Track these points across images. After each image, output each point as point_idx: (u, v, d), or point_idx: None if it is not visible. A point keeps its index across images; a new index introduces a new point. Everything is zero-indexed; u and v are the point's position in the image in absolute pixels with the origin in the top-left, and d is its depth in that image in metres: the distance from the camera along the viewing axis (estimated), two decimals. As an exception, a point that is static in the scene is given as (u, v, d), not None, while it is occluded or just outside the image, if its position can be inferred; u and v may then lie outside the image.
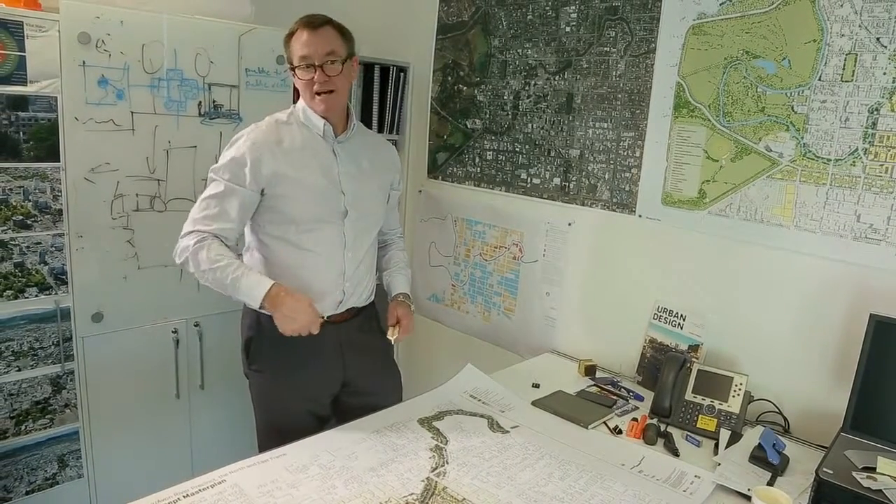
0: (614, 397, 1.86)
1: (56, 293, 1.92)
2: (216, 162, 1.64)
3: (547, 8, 2.21)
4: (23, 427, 1.92)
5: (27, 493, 1.95)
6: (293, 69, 1.62)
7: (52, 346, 1.93)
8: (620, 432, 1.65)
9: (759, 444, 1.47)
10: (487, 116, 2.47)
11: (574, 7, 2.13)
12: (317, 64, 1.58)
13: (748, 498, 1.31)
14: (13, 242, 1.83)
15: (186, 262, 1.57)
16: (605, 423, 1.70)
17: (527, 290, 2.38)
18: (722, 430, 1.60)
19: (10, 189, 1.79)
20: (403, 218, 2.70)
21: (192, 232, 1.57)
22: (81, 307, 1.95)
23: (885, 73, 1.51)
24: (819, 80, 1.61)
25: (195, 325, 2.21)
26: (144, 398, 2.14)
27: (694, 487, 1.40)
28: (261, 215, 1.67)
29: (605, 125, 2.10)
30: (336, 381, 1.78)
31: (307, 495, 1.28)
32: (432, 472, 1.40)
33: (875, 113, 1.53)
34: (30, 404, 1.93)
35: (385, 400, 1.75)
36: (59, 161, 1.85)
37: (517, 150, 2.38)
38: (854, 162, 1.57)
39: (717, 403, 1.69)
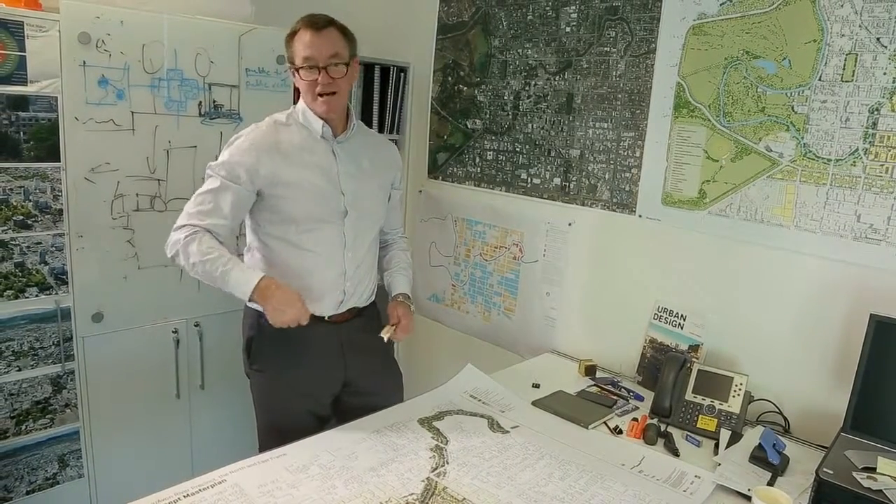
0: (614, 397, 1.86)
1: (56, 293, 1.92)
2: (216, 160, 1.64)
3: (547, 8, 2.21)
4: (23, 427, 1.92)
5: (28, 492, 1.95)
6: (296, 69, 1.61)
7: (53, 346, 1.93)
8: (621, 432, 1.65)
9: (760, 444, 1.47)
10: (488, 116, 2.47)
11: (574, 7, 2.14)
12: (321, 66, 1.58)
13: (748, 498, 1.31)
14: (13, 242, 1.83)
15: (177, 255, 1.56)
16: (605, 423, 1.70)
17: (527, 290, 2.38)
18: (722, 430, 1.60)
19: (11, 189, 1.80)
20: (404, 218, 2.70)
21: (184, 226, 1.57)
22: (82, 307, 1.95)
23: (885, 73, 1.51)
24: (819, 80, 1.61)
25: (195, 325, 2.21)
26: (145, 398, 2.14)
27: (694, 487, 1.40)
28: (261, 215, 1.67)
29: (606, 125, 2.10)
30: (337, 382, 1.78)
31: (307, 495, 1.28)
32: (432, 472, 1.40)
33: (875, 113, 1.53)
34: (30, 404, 1.93)
35: (386, 400, 1.75)
36: (59, 161, 1.85)
37: (517, 150, 2.38)
38: (854, 162, 1.57)
39: (717, 403, 1.69)
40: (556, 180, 2.26)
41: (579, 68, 2.15)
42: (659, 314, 1.98)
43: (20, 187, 1.81)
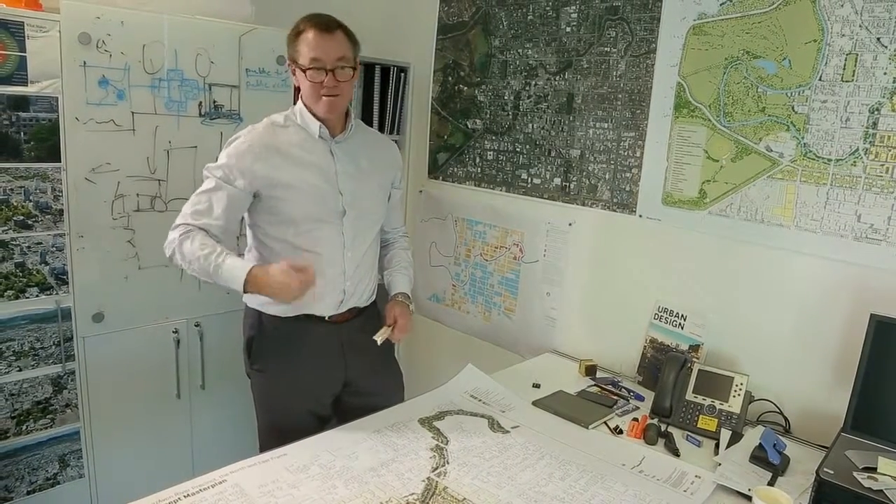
0: (615, 397, 1.86)
1: (57, 293, 1.92)
2: (216, 160, 1.64)
3: (547, 8, 2.21)
4: (24, 427, 1.92)
5: (28, 492, 1.95)
6: (300, 69, 1.59)
7: (53, 346, 1.93)
8: (621, 432, 1.65)
9: (760, 444, 1.47)
10: (488, 116, 2.47)
11: (574, 7, 2.14)
12: (328, 68, 1.58)
13: (749, 498, 1.31)
14: (14, 242, 1.83)
15: (174, 255, 1.57)
16: (605, 423, 1.70)
17: (527, 290, 2.38)
18: (722, 430, 1.60)
19: (11, 189, 1.80)
20: (405, 218, 2.70)
21: (179, 225, 1.58)
22: (82, 307, 1.95)
23: (885, 73, 1.51)
24: (819, 80, 1.61)
25: (196, 325, 2.21)
26: (145, 398, 2.14)
27: (694, 487, 1.40)
28: (260, 217, 1.67)
29: (606, 125, 2.10)
30: (337, 382, 1.78)
31: (308, 495, 1.28)
32: (433, 472, 1.40)
33: (876, 113, 1.53)
34: (31, 404, 1.93)
35: (387, 400, 1.75)
36: (59, 161, 1.85)
37: (518, 150, 2.38)
38: (855, 162, 1.57)
39: (717, 403, 1.69)
40: (557, 180, 2.26)
41: (579, 68, 2.15)
42: (659, 314, 1.98)
43: (21, 187, 1.81)
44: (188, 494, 1.25)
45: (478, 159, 2.53)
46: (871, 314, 1.48)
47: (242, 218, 1.70)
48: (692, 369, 1.78)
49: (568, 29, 2.16)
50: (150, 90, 1.96)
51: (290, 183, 1.62)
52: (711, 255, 1.88)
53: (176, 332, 2.16)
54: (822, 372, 1.67)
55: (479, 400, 1.79)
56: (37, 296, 1.89)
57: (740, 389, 1.68)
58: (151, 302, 2.09)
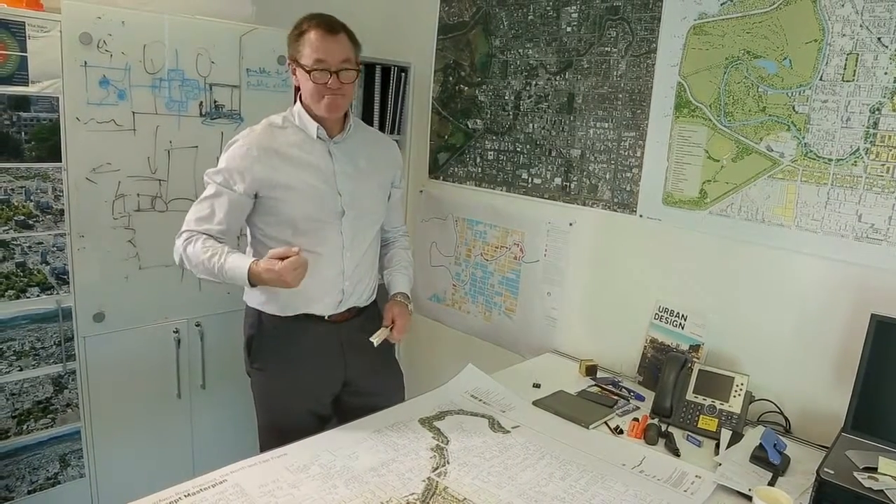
0: (615, 397, 1.86)
1: (57, 293, 1.92)
2: (216, 162, 1.64)
3: (548, 8, 2.21)
4: (24, 427, 1.92)
5: (29, 492, 1.95)
6: (306, 70, 1.58)
7: (54, 346, 1.93)
8: (621, 432, 1.65)
9: (760, 444, 1.47)
10: (488, 116, 2.47)
11: (575, 7, 2.14)
12: (332, 70, 1.58)
13: (749, 498, 1.30)
14: (15, 242, 1.83)
15: (182, 261, 1.60)
16: (606, 423, 1.70)
17: (528, 290, 2.38)
18: (723, 430, 1.60)
19: (12, 189, 1.80)
20: (405, 217, 2.70)
21: (184, 232, 1.61)
22: (83, 307, 1.95)
23: (886, 73, 1.51)
24: (820, 79, 1.61)
25: (196, 325, 2.21)
26: (146, 398, 2.14)
27: (695, 487, 1.40)
28: (259, 217, 1.67)
29: (606, 125, 2.10)
30: (337, 381, 1.78)
31: (308, 495, 1.28)
32: (433, 471, 1.40)
33: (876, 113, 1.53)
34: (31, 404, 1.93)
35: (387, 401, 1.75)
36: (60, 161, 1.86)
37: (518, 150, 2.38)
38: (855, 162, 1.57)
39: (718, 403, 1.69)
40: (557, 180, 2.26)
41: (580, 68, 2.15)
42: (660, 314, 1.98)
43: (21, 187, 1.81)
44: (188, 494, 1.25)
45: (478, 159, 2.53)
46: (872, 314, 1.48)
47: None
48: (692, 369, 1.77)
49: (568, 29, 2.16)
50: (150, 90, 1.97)
51: (288, 184, 1.62)
52: (712, 255, 1.88)
53: (176, 331, 2.16)
54: (823, 372, 1.67)
55: (480, 400, 1.79)
56: (37, 296, 1.89)
57: (741, 389, 1.68)
58: (152, 302, 2.09)
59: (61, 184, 1.87)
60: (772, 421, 1.71)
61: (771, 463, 1.43)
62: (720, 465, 1.46)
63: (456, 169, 2.63)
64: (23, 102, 1.77)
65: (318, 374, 1.74)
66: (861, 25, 1.53)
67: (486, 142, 2.49)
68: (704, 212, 1.87)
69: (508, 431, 1.62)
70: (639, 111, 2.00)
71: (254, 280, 1.51)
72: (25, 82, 1.76)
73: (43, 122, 1.81)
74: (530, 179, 2.35)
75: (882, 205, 1.54)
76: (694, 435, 1.65)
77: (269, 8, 2.27)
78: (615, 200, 2.10)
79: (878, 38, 1.51)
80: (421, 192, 2.77)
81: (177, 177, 2.07)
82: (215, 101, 2.10)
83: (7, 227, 1.81)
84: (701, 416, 1.68)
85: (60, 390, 1.97)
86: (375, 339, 1.68)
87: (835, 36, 1.57)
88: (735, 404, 1.67)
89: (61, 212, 1.89)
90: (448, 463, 1.44)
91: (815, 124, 1.63)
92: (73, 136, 1.85)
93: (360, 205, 1.72)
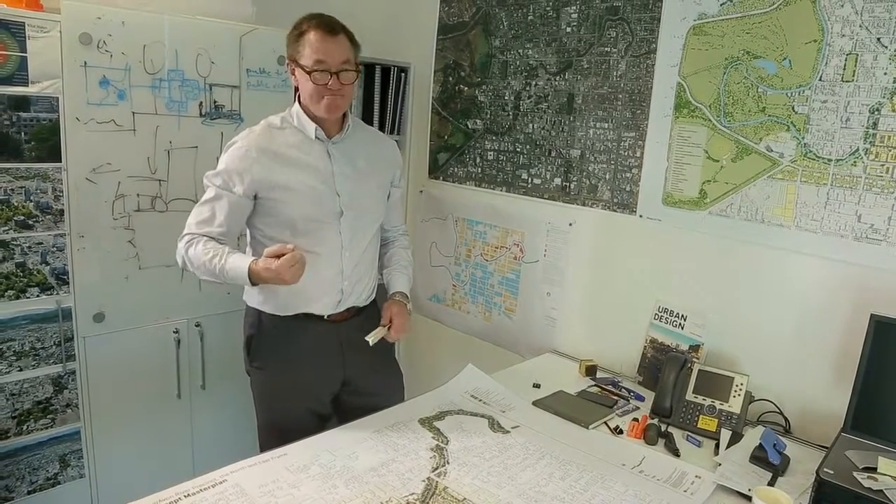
0: (615, 397, 1.86)
1: (57, 293, 1.92)
2: (216, 163, 1.64)
3: (548, 8, 2.21)
4: (24, 427, 1.92)
5: (29, 492, 1.95)
6: (306, 71, 1.58)
7: (54, 346, 1.93)
8: (621, 432, 1.65)
9: (760, 444, 1.47)
10: (488, 117, 2.47)
11: (575, 7, 2.14)
12: (333, 71, 1.58)
13: (749, 498, 1.31)
14: (15, 243, 1.83)
15: (184, 264, 1.61)
16: (605, 423, 1.70)
17: (528, 290, 2.38)
18: (723, 430, 1.60)
19: (12, 189, 1.80)
20: (405, 217, 2.70)
21: (185, 235, 1.62)
22: (83, 307, 1.95)
23: (885, 74, 1.51)
24: (820, 80, 1.61)
25: (196, 325, 2.21)
26: (146, 398, 2.14)
27: (695, 487, 1.40)
28: (258, 218, 1.67)
29: (606, 125, 2.10)
30: (336, 380, 1.78)
31: (308, 495, 1.28)
32: (433, 471, 1.40)
33: (876, 113, 1.53)
34: (31, 404, 1.93)
35: (387, 401, 1.75)
36: (60, 161, 1.86)
37: (518, 150, 2.38)
38: (855, 162, 1.57)
39: (717, 403, 1.69)
40: (557, 180, 2.26)
41: (580, 68, 2.15)
42: (659, 314, 1.98)
43: (21, 188, 1.81)
44: (188, 494, 1.25)
45: (478, 159, 2.53)
46: (872, 314, 1.48)
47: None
48: (692, 369, 1.78)
49: (568, 29, 2.16)
50: (150, 90, 1.97)
51: (287, 185, 1.62)
52: (712, 256, 1.88)
53: (176, 332, 2.16)
54: (823, 372, 1.67)
55: (480, 400, 1.79)
56: (37, 296, 1.89)
57: (740, 389, 1.68)
58: (152, 302, 2.09)
59: (61, 184, 1.87)
60: (771, 421, 1.71)
61: (771, 463, 1.43)
62: (720, 465, 1.46)
63: (456, 169, 2.63)
64: (23, 103, 1.77)
65: (318, 373, 1.74)
66: (860, 26, 1.53)
67: (486, 142, 2.49)
68: (704, 212, 1.87)
69: (508, 431, 1.62)
70: (638, 111, 2.00)
71: (254, 279, 1.51)
72: (25, 82, 1.76)
73: (43, 122, 1.81)
74: (530, 180, 2.35)
75: (881, 205, 1.54)
76: (694, 435, 1.65)
77: (269, 8, 2.27)
78: (615, 201, 2.10)
79: (878, 39, 1.51)
80: (421, 192, 2.77)
81: (177, 177, 2.07)
82: (215, 102, 2.11)
83: (7, 228, 1.81)
84: (701, 416, 1.68)
85: (60, 390, 1.97)
86: (371, 338, 1.68)
87: (834, 36, 1.58)
88: (735, 404, 1.67)
89: (61, 212, 1.89)
90: (448, 463, 1.44)
91: (815, 124, 1.63)
92: (73, 137, 1.85)
93: (358, 205, 1.72)
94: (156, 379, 2.15)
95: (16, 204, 1.81)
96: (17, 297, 1.86)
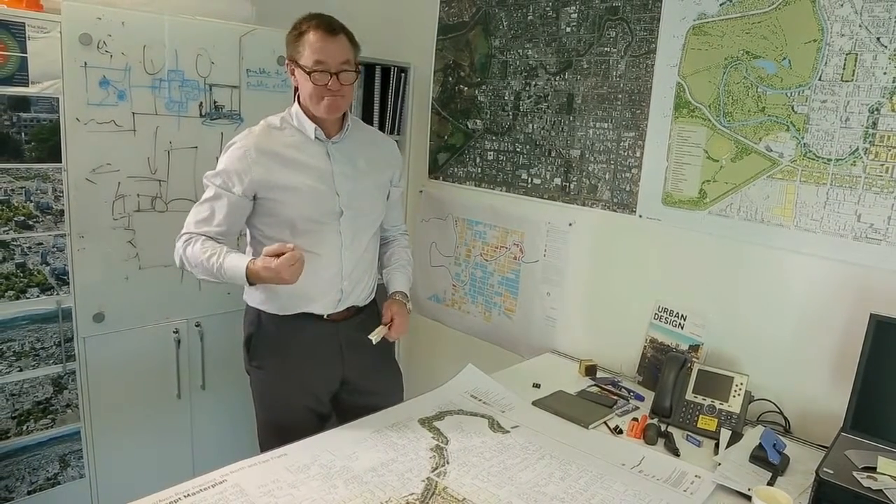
0: (615, 397, 1.86)
1: (57, 293, 1.92)
2: (216, 163, 1.64)
3: (547, 8, 2.21)
4: (24, 427, 1.92)
5: (29, 492, 1.95)
6: (305, 71, 1.58)
7: (54, 347, 1.93)
8: (621, 432, 1.65)
9: (760, 443, 1.47)
10: (488, 117, 2.47)
11: (574, 7, 2.14)
12: (332, 71, 1.58)
13: (748, 498, 1.30)
14: (15, 243, 1.83)
15: (182, 263, 1.61)
16: (605, 422, 1.70)
17: (527, 290, 2.38)
18: (722, 429, 1.60)
19: (12, 190, 1.80)
20: (405, 216, 2.70)
21: (183, 234, 1.62)
22: (83, 307, 1.96)
23: (885, 73, 1.51)
24: (819, 79, 1.61)
25: (196, 326, 2.21)
26: (146, 398, 2.14)
27: (694, 487, 1.40)
28: (257, 218, 1.67)
29: (606, 125, 2.10)
30: (335, 379, 1.78)
31: (308, 495, 1.28)
32: (433, 471, 1.40)
33: (875, 113, 1.53)
34: (31, 404, 1.93)
35: (386, 400, 1.75)
36: (60, 162, 1.86)
37: (518, 150, 2.38)
38: (854, 162, 1.57)
39: (717, 403, 1.69)
40: (557, 180, 2.27)
41: (579, 68, 2.15)
42: (659, 314, 1.98)
43: (21, 188, 1.82)
44: (188, 494, 1.25)
45: (478, 159, 2.53)
46: (871, 314, 1.48)
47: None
48: (692, 369, 1.78)
49: (568, 29, 2.17)
50: (150, 91, 1.97)
51: (286, 185, 1.63)
52: (711, 255, 1.88)
53: (176, 332, 2.17)
54: (822, 372, 1.67)
55: (479, 400, 1.79)
56: (37, 296, 1.89)
57: (740, 389, 1.68)
58: (152, 302, 2.09)
59: (61, 184, 1.87)
60: (771, 421, 1.71)
61: (770, 463, 1.43)
62: (719, 464, 1.46)
63: (455, 169, 2.63)
64: (23, 103, 1.77)
65: (317, 372, 1.74)
66: (860, 25, 1.53)
67: (486, 142, 2.49)
68: (704, 212, 1.87)
69: (508, 431, 1.62)
70: (638, 111, 2.00)
71: (252, 278, 1.51)
72: (25, 83, 1.76)
73: (43, 122, 1.81)
74: (530, 180, 2.35)
75: (881, 205, 1.54)
76: (693, 435, 1.65)
77: (269, 8, 2.27)
78: (615, 200, 2.10)
79: (878, 38, 1.51)
80: (421, 192, 2.77)
81: (177, 177, 2.07)
82: (215, 102, 2.11)
83: (7, 228, 1.81)
84: (700, 415, 1.68)
85: (60, 391, 1.97)
86: (374, 337, 1.68)
87: (834, 36, 1.58)
88: (734, 404, 1.67)
89: (61, 212, 1.89)
90: (448, 463, 1.44)
91: (815, 124, 1.63)
92: (73, 137, 1.85)
93: (358, 205, 1.72)
94: (156, 379, 2.15)
95: (16, 204, 1.81)
96: (18, 298, 1.86)
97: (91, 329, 1.98)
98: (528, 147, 2.34)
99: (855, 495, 1.21)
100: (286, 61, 1.67)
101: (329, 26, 1.58)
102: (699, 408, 1.70)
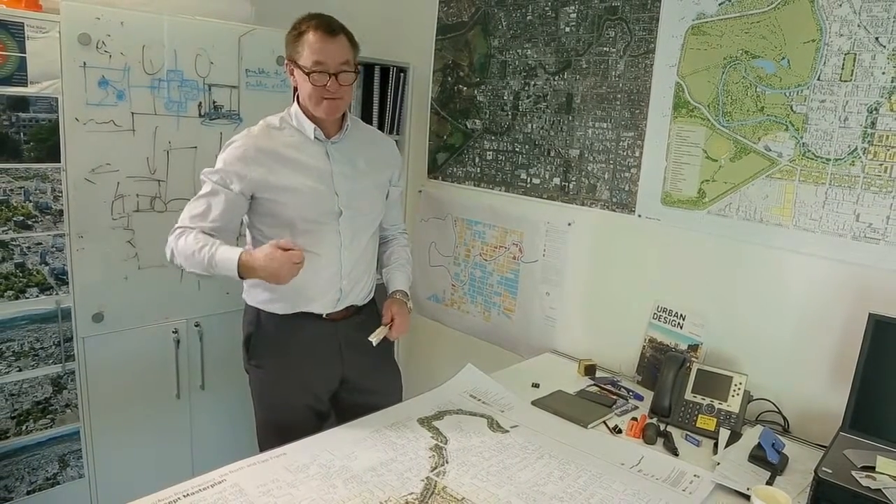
0: (614, 397, 1.86)
1: (57, 293, 1.92)
2: (215, 163, 1.64)
3: (546, 8, 2.22)
4: (24, 427, 1.92)
5: (28, 492, 1.95)
6: (304, 71, 1.58)
7: (53, 347, 1.93)
8: (620, 432, 1.66)
9: (759, 443, 1.47)
10: (487, 117, 2.47)
11: (573, 7, 2.14)
12: (332, 72, 1.58)
13: (747, 497, 1.31)
14: (14, 243, 1.83)
15: (173, 256, 1.59)
16: (604, 422, 1.70)
17: (527, 289, 2.38)
18: (721, 429, 1.60)
19: (11, 190, 1.80)
20: (404, 216, 2.70)
21: (177, 228, 1.61)
22: (82, 307, 1.96)
23: (883, 73, 1.51)
24: (818, 79, 1.61)
25: (196, 326, 2.21)
26: (145, 398, 2.14)
27: (693, 487, 1.40)
28: (257, 218, 1.67)
29: (605, 125, 2.10)
30: (334, 378, 1.78)
31: (307, 495, 1.28)
32: (432, 471, 1.40)
33: (874, 112, 1.53)
34: (31, 404, 1.93)
35: (385, 399, 1.76)
36: (59, 162, 1.86)
37: (517, 150, 2.38)
38: (853, 161, 1.58)
39: (716, 403, 1.69)
40: (556, 180, 2.27)
41: (579, 68, 2.15)
42: (658, 314, 1.98)
43: (20, 188, 1.82)
44: (188, 494, 1.25)
45: (477, 159, 2.53)
46: (870, 313, 1.48)
47: (242, 220, 1.71)
48: (691, 369, 1.78)
49: (567, 29, 2.17)
50: (149, 91, 1.97)
51: (285, 185, 1.63)
52: (710, 255, 1.88)
53: (176, 332, 2.17)
54: (821, 371, 1.67)
55: (479, 399, 1.79)
56: (37, 296, 1.89)
57: (739, 389, 1.68)
58: (151, 302, 2.09)
59: (60, 184, 1.87)
60: (770, 420, 1.71)
61: (769, 462, 1.43)
62: (718, 464, 1.46)
63: (455, 169, 2.63)
64: (22, 103, 1.77)
65: (316, 371, 1.74)
66: (859, 25, 1.53)
67: (485, 142, 2.49)
68: (703, 212, 1.87)
69: (507, 431, 1.62)
70: (637, 111, 2.01)
71: (243, 271, 1.49)
72: (24, 83, 1.76)
73: (42, 122, 1.81)
74: (529, 179, 2.36)
75: (880, 204, 1.55)
76: (692, 434, 1.65)
77: (268, 8, 2.27)
78: (614, 200, 2.10)
79: (876, 38, 1.51)
80: (420, 192, 2.77)
81: (176, 177, 2.07)
82: (214, 102, 2.11)
83: (6, 228, 1.81)
84: (699, 415, 1.68)
85: (60, 391, 1.97)
86: (374, 338, 1.68)
87: (832, 36, 1.58)
88: (733, 404, 1.67)
89: (60, 212, 1.89)
90: (447, 462, 1.44)
91: (813, 124, 1.63)
92: (72, 137, 1.85)
93: (357, 204, 1.72)
94: (155, 379, 2.15)
95: (15, 204, 1.81)
96: (17, 298, 1.86)
97: (90, 329, 1.98)
98: (527, 147, 2.35)
99: (854, 495, 1.21)
100: (285, 61, 1.66)
101: (329, 27, 1.58)
102: (698, 407, 1.70)
